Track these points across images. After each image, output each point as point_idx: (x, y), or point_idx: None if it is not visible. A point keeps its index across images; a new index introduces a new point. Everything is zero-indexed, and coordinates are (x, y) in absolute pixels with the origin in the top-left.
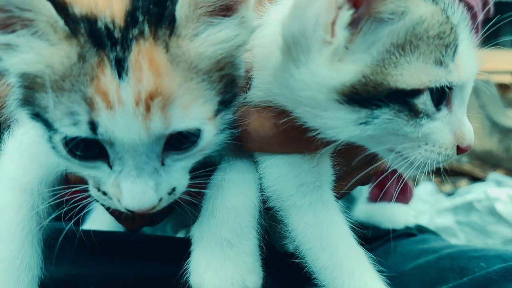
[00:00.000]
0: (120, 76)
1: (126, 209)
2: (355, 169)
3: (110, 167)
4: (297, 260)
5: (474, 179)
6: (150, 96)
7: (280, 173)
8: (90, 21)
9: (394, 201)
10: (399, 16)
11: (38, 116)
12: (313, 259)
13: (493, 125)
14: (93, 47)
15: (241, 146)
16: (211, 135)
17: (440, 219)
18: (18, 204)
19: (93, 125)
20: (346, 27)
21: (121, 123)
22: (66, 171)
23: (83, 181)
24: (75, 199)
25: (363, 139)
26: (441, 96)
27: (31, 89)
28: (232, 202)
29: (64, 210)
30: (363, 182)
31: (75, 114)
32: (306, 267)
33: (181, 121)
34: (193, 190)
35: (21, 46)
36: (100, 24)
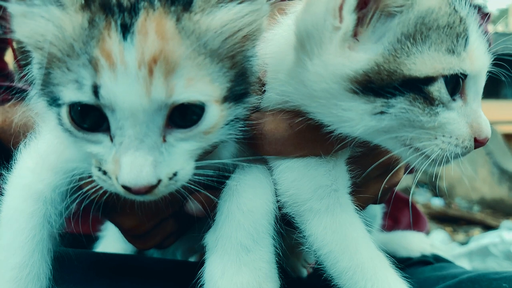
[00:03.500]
0: (125, 38)
1: (123, 187)
2: (371, 180)
3: (112, 140)
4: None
5: (487, 227)
6: (153, 59)
7: (296, 176)
8: None
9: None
10: (407, 9)
11: (52, 98)
12: (332, 263)
13: (502, 172)
14: (103, 14)
15: (256, 150)
16: (217, 117)
17: None
18: (30, 212)
19: (96, 89)
20: (353, 11)
21: (123, 85)
22: (79, 178)
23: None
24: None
25: (379, 134)
26: (455, 86)
27: (46, 68)
28: (248, 205)
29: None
30: (378, 199)
31: (80, 79)
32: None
33: (185, 92)
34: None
35: (36, 14)
36: None
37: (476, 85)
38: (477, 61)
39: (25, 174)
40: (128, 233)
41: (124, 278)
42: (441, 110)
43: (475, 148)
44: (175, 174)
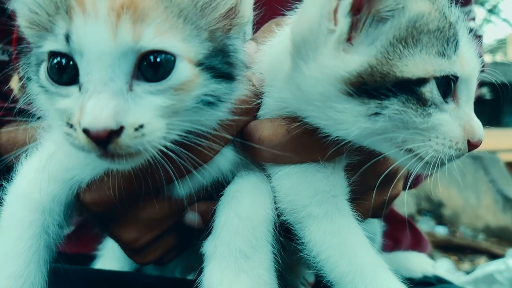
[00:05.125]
0: None
1: (84, 132)
2: (369, 190)
3: (80, 89)
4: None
5: (493, 256)
6: (121, 6)
7: (294, 182)
8: None
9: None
10: (399, 13)
11: (37, 63)
12: (332, 268)
13: (506, 200)
14: None
15: (254, 157)
16: (188, 75)
17: None
18: (28, 222)
19: (68, 36)
20: (347, 15)
21: (91, 29)
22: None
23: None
24: None
25: (373, 136)
26: (447, 89)
27: (37, 37)
28: (247, 212)
29: None
30: (377, 212)
31: (57, 30)
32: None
33: (152, 39)
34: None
35: None
36: None
37: (468, 88)
38: (467, 64)
39: (25, 184)
40: (127, 247)
41: None
42: (434, 111)
43: (468, 151)
44: (141, 127)
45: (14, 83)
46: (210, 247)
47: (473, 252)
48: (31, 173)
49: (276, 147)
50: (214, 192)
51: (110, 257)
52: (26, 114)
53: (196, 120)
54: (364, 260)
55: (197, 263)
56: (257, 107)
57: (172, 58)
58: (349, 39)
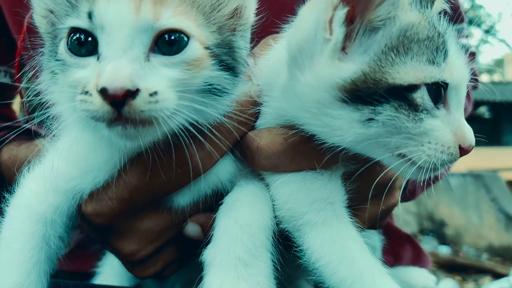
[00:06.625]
0: None
1: (101, 91)
2: (367, 200)
3: (98, 59)
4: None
5: (497, 276)
6: None
7: (293, 190)
8: None
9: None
10: (390, 22)
11: (54, 43)
12: (331, 274)
13: (508, 219)
14: None
15: (252, 166)
16: (200, 53)
17: None
18: (30, 233)
19: (90, 14)
20: (342, 24)
21: (115, 6)
22: (80, 200)
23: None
24: None
25: (367, 142)
26: (438, 95)
27: (58, 18)
28: (246, 220)
29: None
30: (376, 222)
31: (79, 10)
32: None
33: (170, 19)
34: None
35: None
36: None
37: (458, 95)
38: (456, 72)
39: (27, 195)
40: (127, 260)
41: None
42: (426, 117)
43: (460, 156)
44: (155, 93)
45: (16, 105)
46: (209, 255)
47: (477, 272)
48: (33, 184)
49: (274, 156)
50: (214, 202)
51: (109, 273)
52: (27, 134)
53: (202, 107)
54: (362, 265)
55: (196, 277)
56: (255, 117)
57: (186, 39)
58: (343, 48)
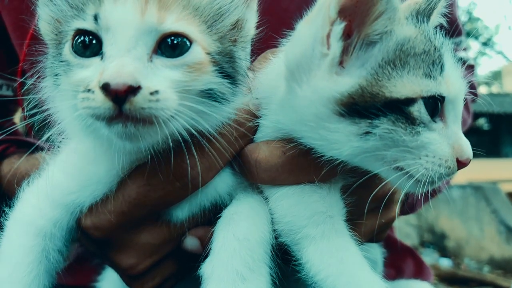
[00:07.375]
0: None
1: (103, 86)
2: (366, 213)
3: (102, 58)
4: None
5: None
6: None
7: (292, 203)
8: None
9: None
10: (386, 37)
11: (59, 45)
12: (330, 287)
13: (509, 231)
14: None
15: (251, 179)
16: (202, 57)
17: None
18: (29, 247)
19: (96, 17)
20: (339, 39)
21: (121, 9)
22: (79, 214)
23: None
24: None
25: (365, 155)
26: (435, 109)
27: (63, 20)
28: (244, 233)
29: None
30: (376, 235)
31: (86, 12)
32: None
33: (174, 23)
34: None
35: None
36: None
37: (455, 108)
38: (453, 85)
39: (27, 209)
40: (126, 273)
41: None
42: (423, 130)
43: (458, 169)
44: (156, 92)
45: (17, 118)
46: (207, 268)
47: (478, 285)
48: (33, 198)
49: (272, 169)
50: (212, 216)
51: (108, 287)
52: (28, 146)
53: (203, 109)
54: (361, 279)
55: None
56: (254, 130)
57: (188, 43)
58: (340, 62)
